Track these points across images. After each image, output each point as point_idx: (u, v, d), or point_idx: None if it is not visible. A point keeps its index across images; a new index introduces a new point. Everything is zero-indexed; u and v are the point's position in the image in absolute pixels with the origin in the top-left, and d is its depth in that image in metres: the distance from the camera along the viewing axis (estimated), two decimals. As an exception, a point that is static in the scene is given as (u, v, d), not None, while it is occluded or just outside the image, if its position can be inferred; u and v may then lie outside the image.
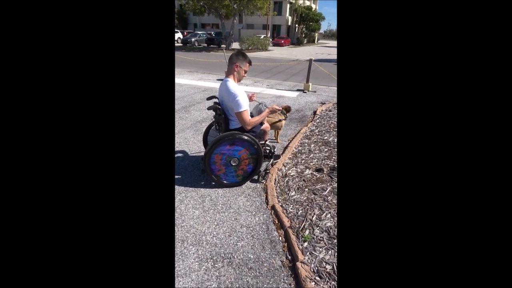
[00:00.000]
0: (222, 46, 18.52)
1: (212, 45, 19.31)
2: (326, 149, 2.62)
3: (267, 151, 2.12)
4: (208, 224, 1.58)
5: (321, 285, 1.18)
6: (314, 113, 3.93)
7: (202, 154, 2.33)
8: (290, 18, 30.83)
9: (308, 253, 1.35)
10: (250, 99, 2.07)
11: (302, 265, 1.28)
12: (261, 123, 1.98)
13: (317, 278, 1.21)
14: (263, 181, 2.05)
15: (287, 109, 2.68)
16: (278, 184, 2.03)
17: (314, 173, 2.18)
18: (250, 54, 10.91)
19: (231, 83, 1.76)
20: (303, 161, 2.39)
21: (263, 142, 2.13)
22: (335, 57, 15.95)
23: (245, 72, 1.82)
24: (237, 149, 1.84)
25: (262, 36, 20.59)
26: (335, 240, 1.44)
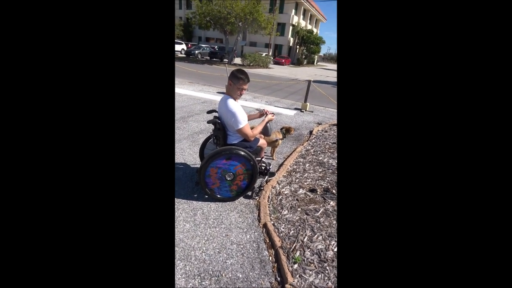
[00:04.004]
0: (224, 60, 18.98)
1: (214, 59, 19.77)
2: (320, 170, 2.65)
3: (263, 167, 2.13)
4: (198, 239, 1.55)
5: (310, 310, 1.15)
6: (311, 132, 4.00)
7: (197, 166, 2.32)
8: (291, 39, 32.06)
9: (297, 276, 1.33)
10: (262, 115, 2.09)
11: (291, 288, 1.25)
12: (259, 138, 2.01)
13: (306, 302, 1.19)
14: (256, 197, 2.05)
15: (288, 130, 2.74)
16: (272, 202, 2.02)
17: (308, 193, 2.19)
18: (251, 71, 11.17)
19: (230, 101, 1.80)
20: (297, 180, 2.40)
21: (259, 158, 2.15)
22: (333, 79, 16.48)
23: (243, 90, 1.84)
24: (233, 164, 1.85)
25: (264, 54, 21.24)
26: (326, 264, 1.42)
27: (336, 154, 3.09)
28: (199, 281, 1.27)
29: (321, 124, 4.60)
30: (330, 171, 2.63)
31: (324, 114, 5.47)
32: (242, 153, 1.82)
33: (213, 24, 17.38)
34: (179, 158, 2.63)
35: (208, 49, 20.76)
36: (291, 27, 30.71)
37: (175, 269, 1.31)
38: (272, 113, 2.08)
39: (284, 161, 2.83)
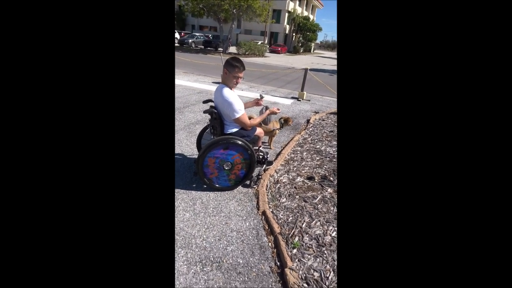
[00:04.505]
0: (219, 49, 18.59)
1: (209, 48, 19.36)
2: (318, 158, 2.67)
3: (260, 156, 2.14)
4: (198, 227, 1.58)
5: (308, 292, 1.19)
6: (308, 121, 4.00)
7: (195, 156, 2.32)
8: (287, 26, 31.38)
9: (296, 260, 1.37)
10: (257, 103, 2.11)
11: (291, 271, 1.29)
12: (257, 127, 2.01)
13: (305, 285, 1.23)
14: (255, 186, 2.07)
15: (286, 120, 2.73)
16: (270, 190, 2.05)
17: (306, 181, 2.21)
18: (246, 59, 11.01)
19: (226, 90, 1.78)
20: (295, 168, 2.42)
21: (257, 147, 2.15)
22: (330, 67, 16.32)
23: (239, 78, 1.82)
24: (230, 154, 1.86)
25: (260, 42, 20.83)
26: (324, 248, 1.46)
27: (333, 142, 3.10)
28: (201, 267, 1.30)
29: (318, 112, 4.60)
30: (328, 159, 2.65)
31: (321, 103, 5.45)
32: (240, 142, 1.82)
33: (206, 12, 16.88)
34: (176, 149, 2.62)
35: (202, 37, 20.28)
36: (287, 14, 30.01)
37: (177, 257, 1.34)
38: (278, 108, 2.10)
39: (282, 150, 2.84)
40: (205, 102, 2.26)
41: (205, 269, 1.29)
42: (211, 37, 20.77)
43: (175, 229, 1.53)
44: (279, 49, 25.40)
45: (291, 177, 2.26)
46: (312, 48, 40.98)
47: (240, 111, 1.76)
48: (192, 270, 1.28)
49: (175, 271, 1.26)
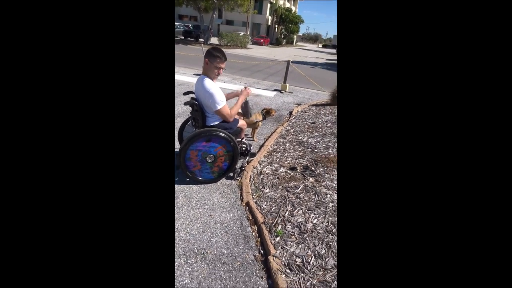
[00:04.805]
0: (200, 40, 18.03)
1: (189, 38, 18.71)
2: (300, 149, 2.72)
3: (243, 148, 2.14)
4: (181, 220, 1.57)
5: (291, 277, 1.24)
6: (290, 113, 4.05)
7: (177, 150, 2.28)
8: (270, 18, 31.07)
9: (279, 247, 1.41)
10: (237, 94, 2.03)
11: (274, 258, 1.33)
12: (239, 120, 2.00)
13: (287, 270, 1.28)
14: (238, 178, 2.08)
15: (268, 112, 2.74)
16: (253, 181, 2.07)
17: (288, 171, 2.26)
18: (228, 51, 10.80)
19: (207, 81, 1.75)
20: (277, 159, 2.46)
21: (240, 139, 2.15)
22: (312, 60, 16.48)
23: (221, 69, 1.80)
24: (213, 146, 1.84)
25: (242, 34, 20.47)
26: (306, 235, 1.52)
27: (315, 134, 3.18)
28: (185, 259, 1.30)
29: (300, 104, 4.66)
30: (309, 149, 2.71)
31: (303, 95, 5.52)
32: (222, 134, 1.81)
33: (185, 0, 16.22)
34: (157, 142, 2.55)
35: (182, 27, 19.55)
36: (269, 5, 29.65)
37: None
38: (248, 88, 2.03)
39: (265, 141, 2.87)
40: (185, 94, 2.20)
41: (189, 261, 1.30)
42: (191, 27, 20.08)
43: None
44: (262, 40, 25.18)
45: (274, 168, 2.29)
46: (295, 40, 41.04)
47: (222, 102, 1.74)
48: (176, 263, 1.27)
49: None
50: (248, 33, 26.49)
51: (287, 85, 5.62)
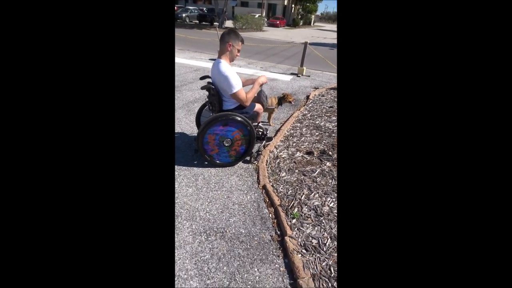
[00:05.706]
0: (215, 23, 17.72)
1: (204, 22, 18.43)
2: (317, 133, 2.68)
3: (260, 133, 2.15)
4: (201, 201, 1.64)
5: (307, 257, 1.28)
6: (307, 97, 3.95)
7: (195, 134, 2.33)
8: (286, -3, 29.58)
9: (296, 229, 1.44)
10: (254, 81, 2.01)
11: (290, 239, 1.37)
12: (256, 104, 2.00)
13: (304, 251, 1.31)
14: (255, 162, 2.11)
15: (283, 97, 2.69)
16: (270, 165, 2.09)
17: (305, 155, 2.25)
18: (244, 34, 10.56)
19: (223, 64, 1.74)
20: (294, 144, 2.44)
21: (256, 124, 2.15)
22: (331, 41, 15.67)
23: (238, 51, 1.79)
24: (230, 130, 1.86)
25: (257, 15, 19.80)
26: (322, 218, 1.53)
27: (333, 118, 3.10)
28: (205, 237, 1.37)
29: (317, 88, 4.52)
30: (327, 134, 2.66)
31: (321, 78, 5.33)
32: (239, 118, 1.82)
33: (200, -18, 15.77)
34: (176, 128, 2.63)
35: (196, 11, 19.22)
36: (285, -17, 28.14)
37: (182, 228, 1.41)
38: (264, 76, 2.02)
39: (281, 126, 2.85)
40: (202, 78, 2.21)
41: (209, 238, 1.37)
42: (205, 11, 19.70)
43: (179, 204, 1.59)
44: (278, 22, 24.18)
45: (290, 152, 2.29)
46: (312, 20, 39.03)
47: (237, 85, 1.74)
48: (198, 240, 1.35)
49: (182, 241, 1.34)
50: (264, 14, 25.54)
51: (304, 68, 5.44)
